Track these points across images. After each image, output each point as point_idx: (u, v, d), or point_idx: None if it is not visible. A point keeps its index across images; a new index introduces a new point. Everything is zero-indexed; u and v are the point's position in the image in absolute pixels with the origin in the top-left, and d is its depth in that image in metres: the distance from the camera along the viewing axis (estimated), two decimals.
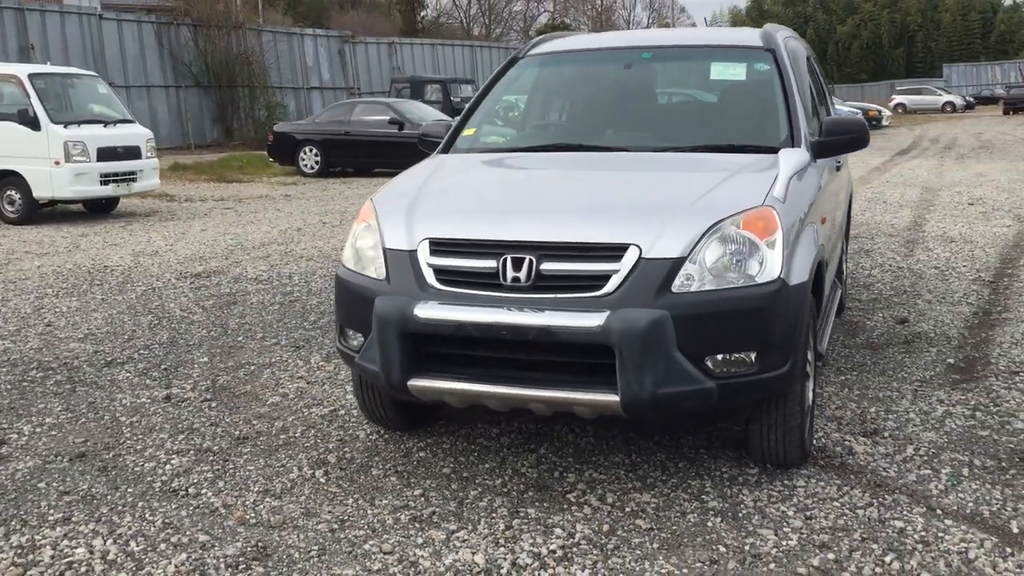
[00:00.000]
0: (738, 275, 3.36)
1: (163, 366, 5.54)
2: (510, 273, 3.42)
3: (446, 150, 4.71)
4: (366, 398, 4.18)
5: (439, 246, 3.59)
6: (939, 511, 3.42)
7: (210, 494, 3.74)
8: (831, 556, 3.12)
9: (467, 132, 4.77)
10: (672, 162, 4.17)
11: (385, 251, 3.69)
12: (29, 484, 3.87)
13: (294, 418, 4.59)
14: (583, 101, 4.91)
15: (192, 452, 4.19)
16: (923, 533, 3.25)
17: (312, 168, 19.11)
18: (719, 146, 4.26)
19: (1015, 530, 3.28)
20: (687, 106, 4.72)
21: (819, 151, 4.23)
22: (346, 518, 3.49)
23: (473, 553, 3.19)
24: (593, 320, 3.23)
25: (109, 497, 3.73)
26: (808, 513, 3.42)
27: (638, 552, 3.19)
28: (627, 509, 3.51)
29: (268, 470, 3.96)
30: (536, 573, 3.06)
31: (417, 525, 3.42)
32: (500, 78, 4.98)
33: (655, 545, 3.23)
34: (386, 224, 3.77)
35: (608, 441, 4.14)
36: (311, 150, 19.07)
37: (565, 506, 3.55)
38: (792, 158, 3.91)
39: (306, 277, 8.21)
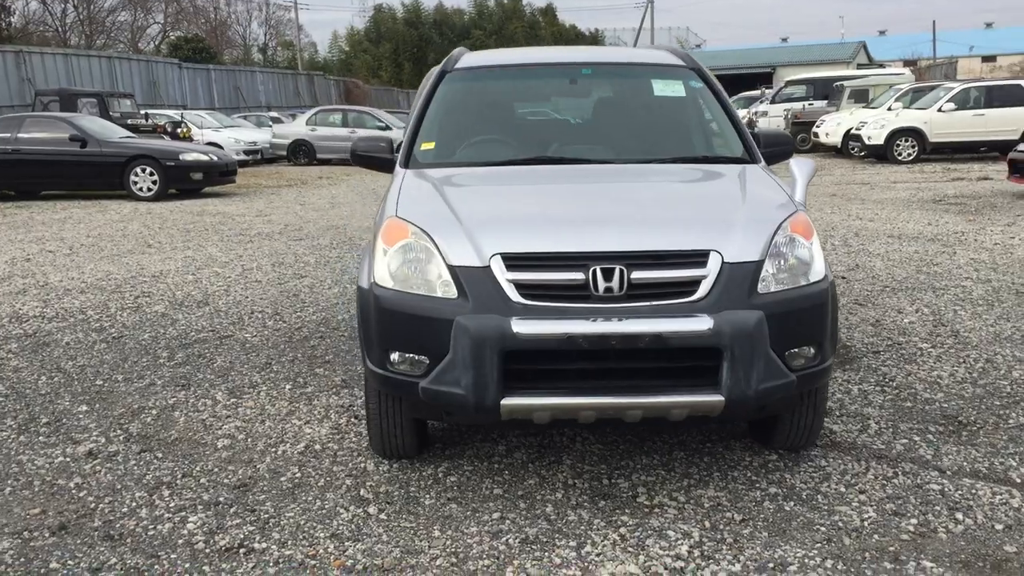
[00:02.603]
0: (799, 275, 3.66)
1: (42, 420, 4.78)
2: (601, 284, 3.45)
3: (406, 165, 4.55)
4: (385, 426, 3.96)
5: (516, 260, 3.52)
6: (949, 472, 3.95)
7: (275, 548, 3.37)
8: (914, 520, 3.50)
9: (425, 146, 4.64)
10: (676, 173, 4.39)
11: (452, 268, 3.54)
12: (40, 569, 3.24)
13: (273, 460, 4.21)
14: (545, 114, 4.97)
15: (198, 506, 3.72)
16: (960, 492, 3.74)
17: None
18: (693, 157, 4.55)
19: (1017, 480, 3.87)
20: (645, 120, 4.95)
21: (767, 160, 4.66)
22: (456, 550, 3.33)
23: (618, 564, 3.20)
24: (703, 324, 3.36)
25: (161, 569, 3.23)
26: (859, 487, 3.80)
27: (758, 542, 3.37)
28: (706, 505, 3.67)
29: (310, 514, 3.64)
30: (700, 572, 3.14)
31: (536, 547, 3.35)
32: (435, 91, 4.89)
33: (765, 533, 3.43)
34: (442, 240, 3.61)
35: (617, 446, 4.26)
36: None
37: (648, 510, 3.64)
38: (805, 168, 4.29)
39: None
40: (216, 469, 4.11)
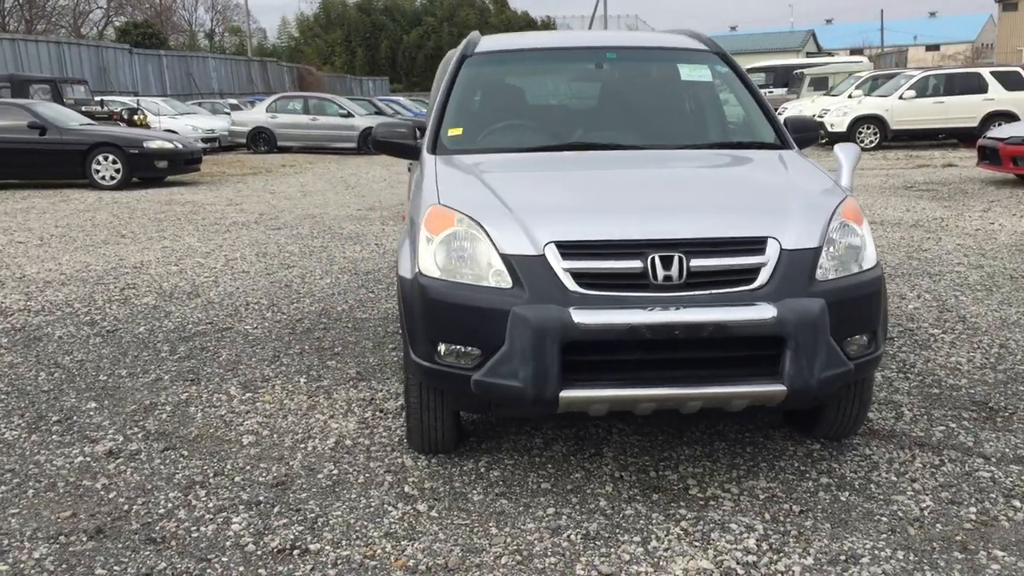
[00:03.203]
0: (853, 262, 3.61)
1: (51, 418, 4.58)
2: (660, 272, 3.37)
3: (434, 151, 4.42)
4: (426, 420, 3.84)
5: (572, 248, 3.42)
6: (994, 459, 3.94)
7: (330, 548, 3.25)
8: (974, 509, 3.48)
9: (453, 132, 4.52)
10: (718, 159, 4.32)
11: (506, 257, 3.43)
12: (89, 573, 3.09)
13: (305, 456, 4.08)
14: (573, 99, 4.87)
15: (239, 506, 3.58)
16: (1010, 479, 3.73)
17: None
18: (727, 143, 4.48)
19: None
20: (674, 105, 4.86)
21: (797, 145, 4.62)
22: (519, 547, 3.24)
23: (689, 560, 3.13)
24: (766, 312, 3.29)
25: (215, 572, 3.10)
26: (910, 476, 3.77)
27: (823, 534, 3.32)
28: (761, 497, 3.62)
29: (358, 512, 3.52)
30: (774, 566, 3.08)
31: (599, 543, 3.27)
32: (456, 76, 4.76)
33: (827, 525, 3.39)
34: (493, 228, 3.50)
35: (655, 436, 4.19)
36: None
37: (703, 502, 3.57)
38: (850, 153, 4.24)
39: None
40: (248, 467, 3.97)
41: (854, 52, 58.97)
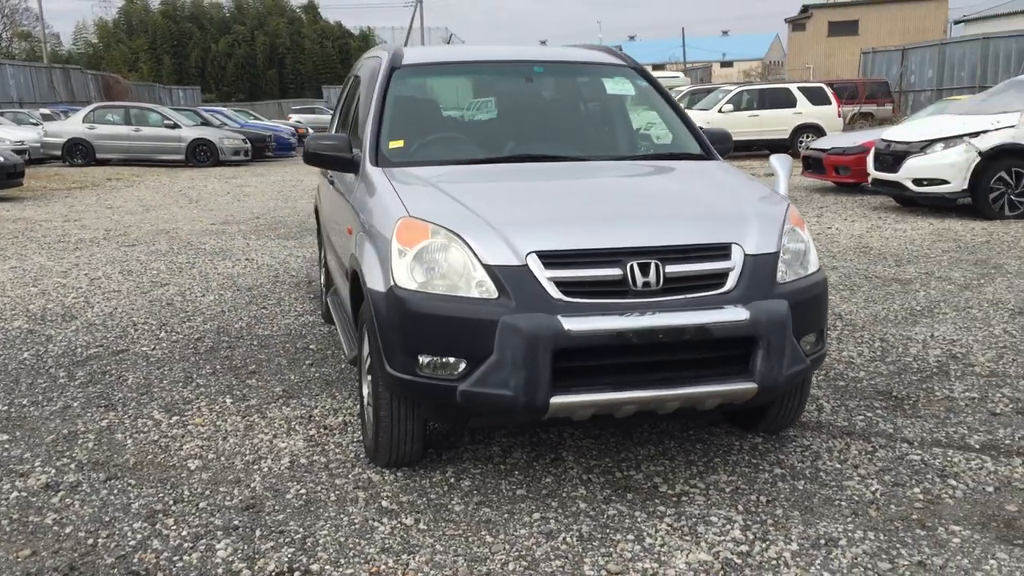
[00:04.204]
0: (800, 265, 3.87)
1: None
2: (639, 278, 3.50)
3: (376, 163, 4.39)
4: (396, 433, 3.83)
5: (553, 258, 3.50)
6: (917, 443, 4.29)
7: (331, 568, 3.20)
8: (917, 490, 3.80)
9: (394, 145, 4.51)
10: (662, 169, 4.50)
11: (489, 268, 3.48)
12: None
13: (264, 478, 3.98)
14: (510, 112, 4.92)
15: (216, 532, 3.47)
16: (939, 461, 4.08)
17: None
18: (659, 154, 4.68)
19: (977, 445, 4.27)
20: (605, 117, 5.00)
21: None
22: (521, 553, 3.29)
23: (688, 553, 3.27)
24: (740, 314, 3.49)
25: None
26: (851, 463, 4.07)
27: (796, 521, 3.54)
28: (727, 490, 3.81)
29: (345, 530, 3.47)
30: (765, 554, 3.26)
31: (596, 543, 3.37)
32: (388, 87, 4.74)
33: (796, 512, 3.61)
34: (474, 239, 3.53)
35: (607, 439, 4.33)
36: None
37: (676, 499, 3.73)
38: (785, 163, 4.50)
39: None
40: (207, 492, 3.82)
41: (656, 68, 61.52)
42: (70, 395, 5.10)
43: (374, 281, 3.73)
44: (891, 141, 12.07)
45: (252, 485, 3.89)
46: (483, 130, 4.89)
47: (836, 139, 15.79)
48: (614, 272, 3.51)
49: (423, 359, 3.53)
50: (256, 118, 34.93)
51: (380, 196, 4.03)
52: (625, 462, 4.09)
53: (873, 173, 12.47)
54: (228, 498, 3.76)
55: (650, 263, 3.53)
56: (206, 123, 26.30)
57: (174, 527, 3.51)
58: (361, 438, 4.33)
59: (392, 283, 3.60)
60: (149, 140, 23.95)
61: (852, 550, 3.29)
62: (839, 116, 22.91)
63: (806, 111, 22.92)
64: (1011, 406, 4.76)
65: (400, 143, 4.53)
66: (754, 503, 3.68)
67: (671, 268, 3.56)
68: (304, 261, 9.32)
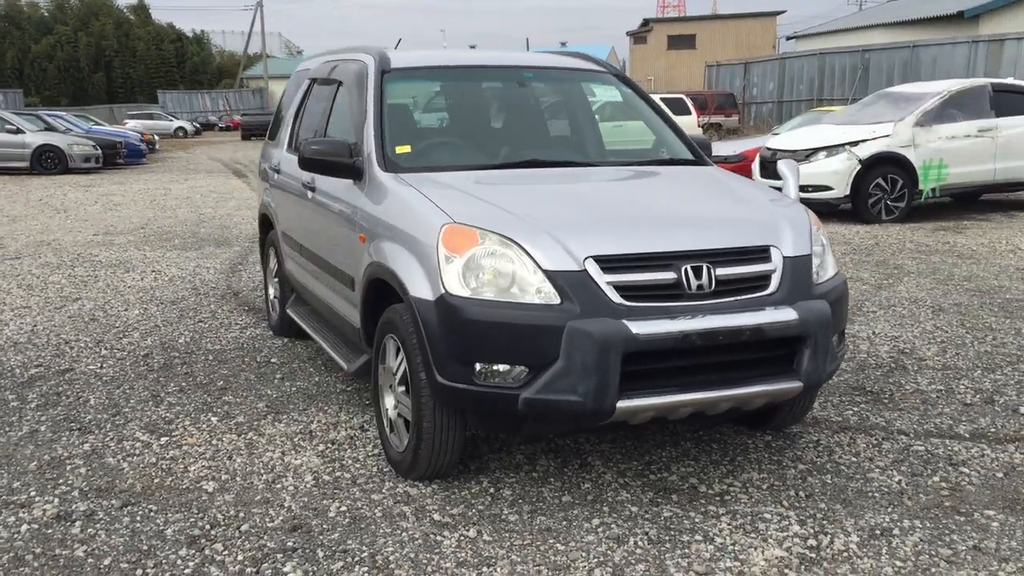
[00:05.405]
0: (825, 267, 4.02)
1: None
2: (693, 281, 3.56)
3: (385, 169, 4.27)
4: (438, 443, 3.74)
5: (610, 262, 3.50)
6: (913, 434, 4.51)
7: None
8: (936, 478, 3.99)
9: (401, 150, 4.39)
10: (677, 174, 4.56)
11: (549, 273, 3.45)
12: None
13: (294, 497, 3.81)
14: (509, 117, 4.87)
15: (276, 554, 3.30)
16: (942, 450, 4.31)
17: None
18: (659, 160, 4.76)
19: (967, 435, 4.53)
20: (601, 123, 5.01)
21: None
22: (602, 559, 3.27)
23: (763, 550, 3.34)
24: (790, 314, 3.59)
25: None
26: (865, 455, 4.24)
27: (844, 514, 3.66)
28: (764, 487, 3.91)
29: (411, 546, 3.37)
30: (832, 548, 3.36)
31: (669, 545, 3.39)
32: (381, 91, 4.62)
33: (839, 506, 3.74)
34: (530, 244, 3.50)
35: (622, 443, 4.36)
36: None
37: (720, 498, 3.80)
38: (793, 168, 4.63)
39: None
40: (240, 514, 3.63)
41: None
42: (32, 419, 4.73)
43: (419, 289, 3.62)
44: (776, 149, 12.64)
45: (286, 505, 3.71)
46: (488, 135, 4.83)
47: (716, 147, 16.40)
48: (669, 276, 3.54)
49: (479, 367, 3.46)
50: (98, 123, 33.20)
51: (407, 202, 3.93)
52: (653, 464, 4.13)
53: (760, 180, 13.00)
54: (268, 519, 3.58)
55: (702, 266, 3.58)
56: (50, 128, 24.82)
57: (225, 552, 3.31)
58: (380, 452, 4.20)
59: (443, 290, 3.51)
60: None
61: (909, 538, 3.44)
62: (699, 126, 23.79)
63: None
64: (978, 396, 5.07)
65: (407, 148, 4.42)
66: (795, 499, 3.78)
67: (721, 271, 3.62)
68: (217, 273, 8.94)
